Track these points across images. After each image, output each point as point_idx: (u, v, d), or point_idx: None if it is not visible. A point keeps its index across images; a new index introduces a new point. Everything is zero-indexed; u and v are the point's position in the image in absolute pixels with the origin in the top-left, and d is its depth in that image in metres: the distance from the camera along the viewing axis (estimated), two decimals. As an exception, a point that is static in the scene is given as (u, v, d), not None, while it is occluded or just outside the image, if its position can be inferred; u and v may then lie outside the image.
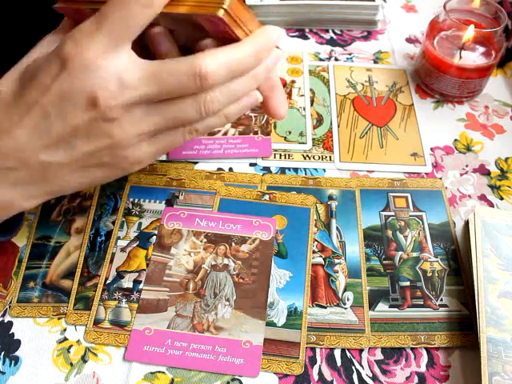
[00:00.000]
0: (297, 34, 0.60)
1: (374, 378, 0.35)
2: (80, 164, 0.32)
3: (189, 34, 0.33)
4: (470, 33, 0.48)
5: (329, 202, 0.44)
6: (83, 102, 0.28)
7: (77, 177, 0.33)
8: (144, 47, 0.33)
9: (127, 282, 0.39)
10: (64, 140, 0.30)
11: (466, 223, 0.41)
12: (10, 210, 0.33)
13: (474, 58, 0.50)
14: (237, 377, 0.35)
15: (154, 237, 0.41)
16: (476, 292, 0.36)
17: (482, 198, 0.45)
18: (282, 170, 0.47)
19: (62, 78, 0.28)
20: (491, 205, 0.45)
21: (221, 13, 0.28)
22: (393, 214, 0.44)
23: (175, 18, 0.31)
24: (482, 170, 0.47)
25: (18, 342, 0.36)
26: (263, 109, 0.38)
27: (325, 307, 0.38)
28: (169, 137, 0.33)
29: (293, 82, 0.54)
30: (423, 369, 0.36)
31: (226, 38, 0.31)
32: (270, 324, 0.37)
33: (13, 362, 0.35)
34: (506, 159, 0.48)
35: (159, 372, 0.35)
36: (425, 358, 0.36)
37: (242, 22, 0.30)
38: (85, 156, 0.31)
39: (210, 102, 0.31)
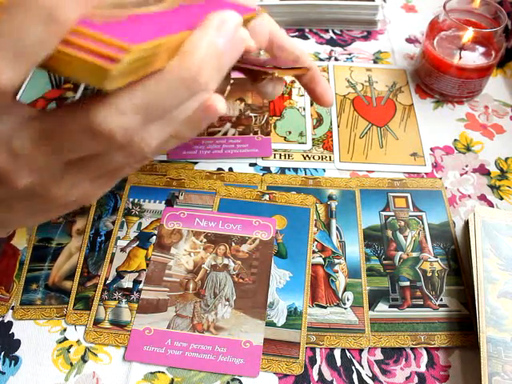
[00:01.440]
0: (297, 33, 0.60)
1: (374, 378, 0.35)
2: (20, 210, 0.27)
3: None
4: (468, 35, 0.49)
5: (329, 202, 0.44)
6: None
7: (20, 216, 0.28)
8: None
9: (127, 282, 0.39)
10: None
11: (466, 223, 0.41)
12: None
13: (473, 58, 0.50)
14: (237, 377, 0.35)
15: (154, 237, 0.41)
16: (476, 292, 0.36)
17: (482, 198, 0.45)
18: (282, 170, 0.47)
19: None
20: (491, 205, 0.45)
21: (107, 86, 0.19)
22: (393, 214, 0.44)
23: None
24: (482, 170, 0.47)
25: (18, 342, 0.36)
26: (313, 100, 0.37)
27: (325, 307, 0.38)
28: (109, 174, 0.26)
29: (293, 82, 0.54)
30: (423, 369, 0.36)
31: None
32: (270, 324, 0.37)
33: (13, 362, 0.35)
34: (506, 159, 0.48)
35: (159, 372, 0.35)
36: (425, 358, 0.36)
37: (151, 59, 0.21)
38: (19, 209, 0.27)
39: (141, 145, 0.23)
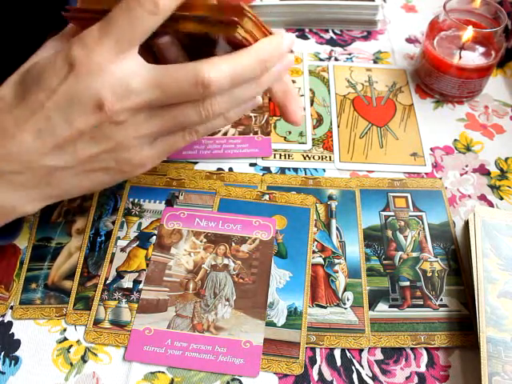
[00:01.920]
0: (297, 33, 0.60)
1: (374, 377, 0.35)
2: (84, 168, 0.32)
3: (200, 43, 0.33)
4: (468, 34, 0.49)
5: (329, 202, 0.44)
6: (90, 105, 0.29)
7: (80, 180, 0.33)
8: (152, 51, 0.33)
9: (127, 282, 0.39)
10: (69, 143, 0.30)
11: (466, 223, 0.41)
12: (12, 214, 0.33)
13: (473, 57, 0.50)
14: (237, 377, 0.35)
15: (154, 237, 0.41)
16: (476, 292, 0.36)
17: (482, 198, 0.45)
18: (282, 170, 0.47)
19: (70, 81, 0.28)
20: (491, 205, 0.45)
21: (238, 34, 0.29)
22: (393, 214, 0.44)
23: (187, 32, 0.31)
24: (482, 170, 0.47)
25: (18, 342, 0.36)
26: (282, 116, 0.39)
27: (325, 307, 0.38)
28: (171, 139, 0.33)
29: (293, 81, 0.54)
30: (423, 369, 0.36)
31: (236, 43, 0.31)
32: (270, 324, 0.37)
33: (13, 362, 0.35)
34: (506, 159, 0.48)
35: (159, 372, 0.35)
36: (425, 358, 0.36)
37: (253, 31, 0.30)
38: (89, 159, 0.31)
39: (212, 108, 0.31)
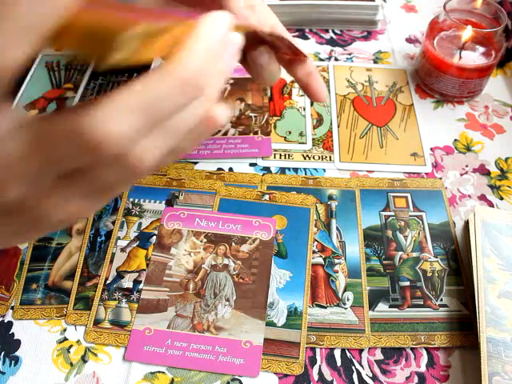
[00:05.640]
0: (297, 33, 0.60)
1: (374, 377, 0.35)
2: (4, 225, 0.24)
3: None
4: (468, 34, 0.49)
5: (329, 202, 0.44)
6: None
7: (2, 235, 0.25)
8: None
9: (127, 282, 0.39)
10: None
11: (466, 223, 0.41)
12: None
13: (473, 57, 0.50)
14: (237, 377, 0.35)
15: (154, 237, 0.41)
16: (476, 292, 0.36)
17: (482, 198, 0.45)
18: (282, 170, 0.47)
19: None
20: (491, 205, 0.45)
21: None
22: (393, 213, 0.44)
23: None
24: (482, 170, 0.47)
25: (18, 342, 0.36)
26: (307, 96, 0.37)
27: (325, 307, 0.38)
28: (102, 193, 0.24)
29: (293, 82, 0.54)
30: (423, 369, 0.36)
31: None
32: (270, 324, 0.37)
33: (13, 362, 0.35)
34: (506, 159, 0.48)
35: (159, 372, 0.35)
36: (425, 358, 0.36)
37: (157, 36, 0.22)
38: (2, 225, 0.24)
39: (139, 160, 0.21)
